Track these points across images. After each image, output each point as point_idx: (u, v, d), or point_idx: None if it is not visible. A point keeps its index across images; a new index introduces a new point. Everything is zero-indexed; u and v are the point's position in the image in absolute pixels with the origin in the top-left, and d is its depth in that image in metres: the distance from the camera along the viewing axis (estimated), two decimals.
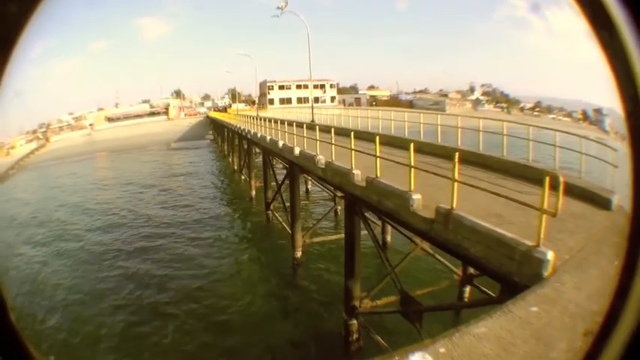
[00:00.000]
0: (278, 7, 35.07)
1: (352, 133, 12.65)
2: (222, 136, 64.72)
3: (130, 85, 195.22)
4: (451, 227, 7.69)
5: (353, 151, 12.05)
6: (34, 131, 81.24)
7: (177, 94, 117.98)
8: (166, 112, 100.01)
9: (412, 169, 9.18)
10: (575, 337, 4.19)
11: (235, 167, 45.36)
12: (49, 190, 45.05)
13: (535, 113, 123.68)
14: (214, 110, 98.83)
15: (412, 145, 9.56)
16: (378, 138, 11.02)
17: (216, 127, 75.93)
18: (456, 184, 7.73)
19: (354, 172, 11.79)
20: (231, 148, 50.93)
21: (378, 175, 10.59)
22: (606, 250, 6.61)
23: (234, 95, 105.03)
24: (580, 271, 5.96)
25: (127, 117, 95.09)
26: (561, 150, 13.04)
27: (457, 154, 7.95)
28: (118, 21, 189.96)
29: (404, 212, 9.20)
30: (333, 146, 13.92)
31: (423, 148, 15.51)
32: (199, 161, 60.55)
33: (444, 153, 14.07)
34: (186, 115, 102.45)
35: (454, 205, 7.67)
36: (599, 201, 9.49)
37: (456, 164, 7.85)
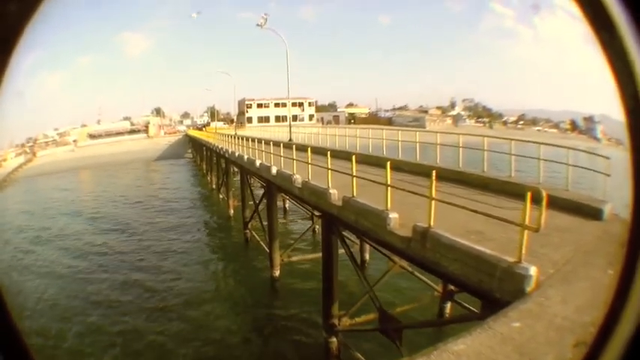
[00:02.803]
0: (258, 24, 35.23)
1: (329, 153, 12.69)
2: (200, 154, 64.29)
3: (113, 100, 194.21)
4: (429, 245, 7.55)
5: (329, 171, 12.00)
6: (23, 145, 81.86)
7: (158, 111, 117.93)
8: (146, 130, 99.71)
9: (389, 188, 9.08)
10: (563, 350, 4.12)
11: (214, 186, 44.93)
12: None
13: (519, 126, 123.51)
14: (193, 128, 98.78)
15: (388, 163, 9.51)
16: (354, 157, 10.97)
17: (195, 145, 75.63)
18: (433, 202, 7.60)
19: (330, 191, 11.67)
20: (209, 167, 50.49)
21: (355, 194, 10.46)
22: (598, 261, 6.52)
23: (212, 113, 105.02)
24: (567, 285, 5.83)
25: (108, 134, 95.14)
26: (551, 162, 13.11)
27: (434, 172, 7.83)
28: (103, 36, 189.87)
29: (381, 231, 9.07)
30: (309, 165, 13.81)
31: (401, 167, 15.55)
32: (178, 180, 60.02)
33: (422, 171, 14.02)
34: (165, 133, 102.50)
35: (431, 223, 7.54)
36: (588, 212, 9.44)
37: (433, 182, 7.71)
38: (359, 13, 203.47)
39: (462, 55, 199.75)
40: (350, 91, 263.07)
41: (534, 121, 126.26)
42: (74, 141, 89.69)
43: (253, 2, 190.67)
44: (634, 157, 1.58)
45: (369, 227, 9.70)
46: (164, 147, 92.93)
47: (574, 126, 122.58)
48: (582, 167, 11.84)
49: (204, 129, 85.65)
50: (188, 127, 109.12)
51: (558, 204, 9.59)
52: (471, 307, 12.07)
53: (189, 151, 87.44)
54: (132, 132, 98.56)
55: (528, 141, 15.88)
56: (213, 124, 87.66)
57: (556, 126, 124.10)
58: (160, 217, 36.42)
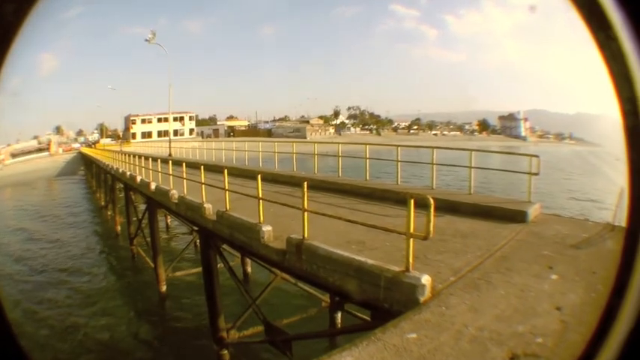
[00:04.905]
0: (146, 40, 33.64)
1: (202, 167, 12.13)
2: (91, 171, 60.00)
3: (32, 119, 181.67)
4: (304, 257, 7.00)
5: (203, 185, 11.44)
6: None
7: (58, 129, 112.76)
8: (48, 149, 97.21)
9: (261, 201, 8.56)
10: None
11: (102, 203, 41.37)
12: None
13: (412, 132, 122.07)
14: (85, 145, 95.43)
15: (259, 176, 9.06)
16: (225, 171, 10.49)
17: (86, 162, 71.63)
18: (306, 213, 7.10)
19: (205, 205, 11.03)
20: (98, 184, 46.92)
21: (229, 208, 9.85)
22: (522, 266, 6.07)
23: (102, 130, 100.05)
24: (477, 293, 5.25)
25: (23, 152, 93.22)
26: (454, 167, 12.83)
27: (305, 183, 7.35)
28: (26, 56, 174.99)
29: (255, 244, 8.47)
30: (184, 180, 13.23)
31: (277, 178, 15.08)
32: (72, 197, 55.14)
33: (299, 182, 13.40)
34: (63, 150, 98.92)
35: (306, 235, 7.02)
36: (505, 215, 8.98)
37: (305, 193, 7.21)
38: (242, 25, 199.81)
39: (355, 61, 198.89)
40: (232, 104, 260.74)
41: (430, 126, 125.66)
42: (2, 160, 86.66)
43: (144, 18, 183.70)
44: (631, 157, 1.58)
45: (244, 241, 9.06)
46: (62, 164, 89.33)
47: (484, 126, 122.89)
48: (486, 168, 11.66)
49: (93, 146, 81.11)
50: (82, 144, 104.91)
51: (459, 210, 9.46)
52: (364, 317, 11.47)
53: (82, 168, 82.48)
54: (39, 150, 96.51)
55: (416, 146, 15.85)
56: (102, 141, 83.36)
57: (460, 128, 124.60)
58: (48, 235, 33.04)
